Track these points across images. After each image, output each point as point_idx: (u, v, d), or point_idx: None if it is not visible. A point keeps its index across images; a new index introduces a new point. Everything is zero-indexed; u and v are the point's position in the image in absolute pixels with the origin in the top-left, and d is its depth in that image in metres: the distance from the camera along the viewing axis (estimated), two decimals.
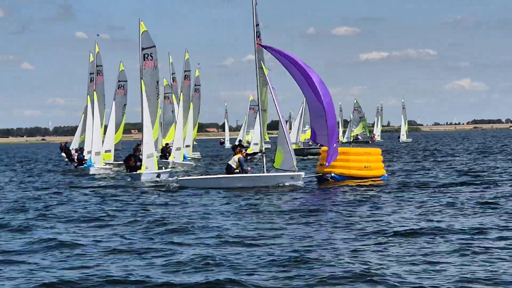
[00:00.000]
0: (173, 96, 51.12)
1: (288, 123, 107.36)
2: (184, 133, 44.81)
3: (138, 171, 32.85)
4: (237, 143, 63.00)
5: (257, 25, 29.26)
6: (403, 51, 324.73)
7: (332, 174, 28.74)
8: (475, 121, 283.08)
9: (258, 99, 29.18)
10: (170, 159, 43.17)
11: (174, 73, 52.89)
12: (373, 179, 28.87)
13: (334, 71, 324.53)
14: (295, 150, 57.30)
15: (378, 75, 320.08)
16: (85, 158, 42.33)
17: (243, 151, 29.92)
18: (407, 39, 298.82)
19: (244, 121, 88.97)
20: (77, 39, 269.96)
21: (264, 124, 30.39)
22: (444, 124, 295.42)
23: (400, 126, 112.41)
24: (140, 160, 33.37)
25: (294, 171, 27.75)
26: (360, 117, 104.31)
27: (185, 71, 48.90)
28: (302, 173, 28.28)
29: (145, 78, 34.63)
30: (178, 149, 43.59)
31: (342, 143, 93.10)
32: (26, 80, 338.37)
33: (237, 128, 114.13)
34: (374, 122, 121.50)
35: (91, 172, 39.92)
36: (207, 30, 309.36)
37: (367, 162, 28.99)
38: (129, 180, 32.90)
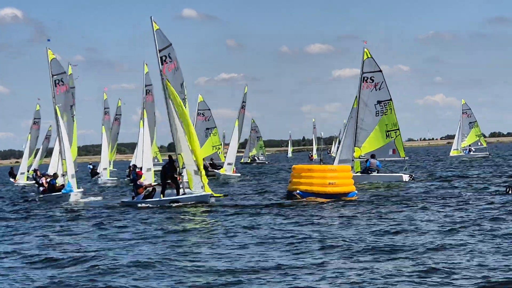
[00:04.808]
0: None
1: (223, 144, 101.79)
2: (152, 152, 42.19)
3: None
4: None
5: None
6: None
7: (297, 191, 28.91)
8: (448, 136, 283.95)
9: None
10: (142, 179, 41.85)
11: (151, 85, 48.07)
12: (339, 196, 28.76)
13: (306, 88, 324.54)
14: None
15: (351, 91, 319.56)
16: (58, 182, 36.11)
17: None
18: (379, 55, 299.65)
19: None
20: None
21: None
22: (417, 140, 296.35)
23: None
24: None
25: None
26: (257, 137, 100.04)
27: (146, 85, 46.06)
28: None
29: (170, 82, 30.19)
30: (149, 170, 42.08)
31: (241, 163, 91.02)
32: (1, 103, 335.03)
33: None
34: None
35: (71, 199, 34.64)
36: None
37: (332, 179, 28.81)
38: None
